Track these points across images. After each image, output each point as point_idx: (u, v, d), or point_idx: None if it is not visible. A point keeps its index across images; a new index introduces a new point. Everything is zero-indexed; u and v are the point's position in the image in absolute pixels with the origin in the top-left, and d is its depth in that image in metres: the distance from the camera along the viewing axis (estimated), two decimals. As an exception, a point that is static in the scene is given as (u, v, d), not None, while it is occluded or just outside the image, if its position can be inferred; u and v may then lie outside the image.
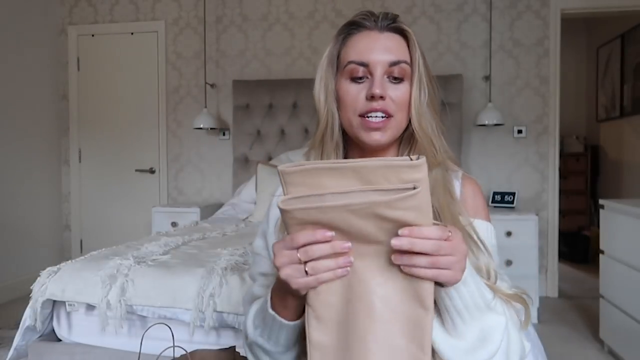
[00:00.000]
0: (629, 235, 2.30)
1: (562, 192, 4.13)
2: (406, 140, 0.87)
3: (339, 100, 0.84)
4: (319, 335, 0.66)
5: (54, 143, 4.13)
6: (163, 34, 4.01)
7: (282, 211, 0.61)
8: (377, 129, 0.81)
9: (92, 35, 4.12)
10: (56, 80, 4.15)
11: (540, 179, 3.62)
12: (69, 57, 4.14)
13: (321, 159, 0.87)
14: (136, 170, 4.08)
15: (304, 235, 0.62)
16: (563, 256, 4.56)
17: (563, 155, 4.89)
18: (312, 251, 0.62)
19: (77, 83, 4.15)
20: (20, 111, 3.77)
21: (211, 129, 3.84)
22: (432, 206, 0.65)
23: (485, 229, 0.85)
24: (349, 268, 0.63)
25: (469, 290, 0.67)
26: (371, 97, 0.80)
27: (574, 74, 5.54)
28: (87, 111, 4.14)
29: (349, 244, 0.62)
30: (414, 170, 0.60)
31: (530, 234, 3.09)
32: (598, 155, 5.31)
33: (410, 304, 0.63)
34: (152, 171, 4.06)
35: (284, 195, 0.62)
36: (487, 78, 3.60)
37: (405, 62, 0.82)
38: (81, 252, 4.13)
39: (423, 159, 0.60)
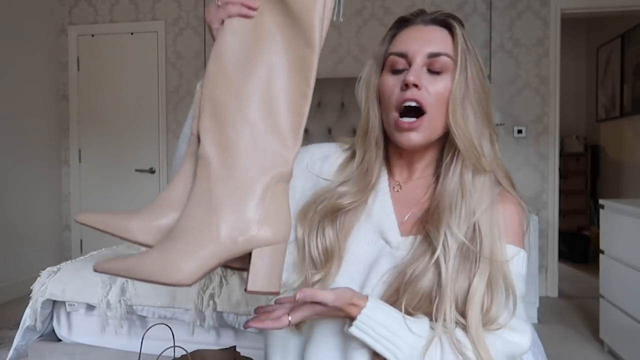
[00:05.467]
0: (629, 235, 2.30)
1: (562, 192, 4.13)
2: (451, 142, 0.80)
3: (380, 96, 0.82)
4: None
5: (54, 143, 4.13)
6: (163, 34, 4.01)
7: None
8: (410, 130, 0.77)
9: (92, 35, 4.12)
10: (56, 80, 4.15)
11: (540, 179, 3.62)
12: (69, 57, 4.14)
13: (362, 152, 0.85)
14: (136, 170, 4.08)
15: None
16: (563, 256, 4.56)
17: (563, 155, 4.88)
18: None
19: (77, 83, 4.15)
20: (20, 111, 3.76)
21: (211, 129, 3.84)
22: (474, 222, 0.74)
23: (515, 255, 0.80)
24: (253, 12, 0.67)
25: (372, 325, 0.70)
26: (405, 86, 0.76)
27: (574, 74, 5.53)
28: (87, 111, 4.14)
29: None
30: None
31: (530, 234, 3.09)
32: (598, 155, 5.30)
33: (297, 45, 0.66)
34: (152, 171, 4.06)
35: None
36: (487, 78, 3.59)
37: (446, 54, 0.77)
38: (81, 252, 4.12)
39: None
